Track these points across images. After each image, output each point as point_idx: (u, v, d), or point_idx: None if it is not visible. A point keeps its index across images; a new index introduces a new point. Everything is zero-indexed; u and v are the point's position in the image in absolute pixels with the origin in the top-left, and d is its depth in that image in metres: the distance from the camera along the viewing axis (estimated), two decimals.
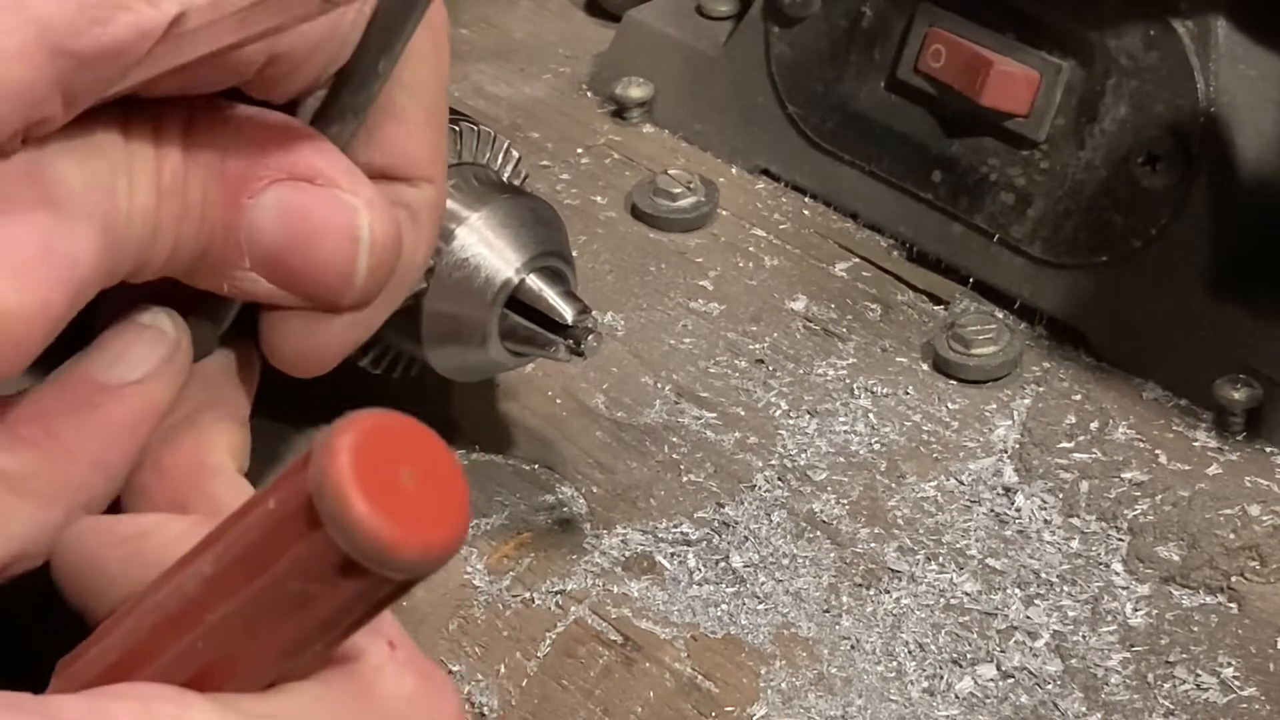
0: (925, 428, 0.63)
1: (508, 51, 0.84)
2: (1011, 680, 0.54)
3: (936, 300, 0.69)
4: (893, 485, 0.61)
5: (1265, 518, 0.58)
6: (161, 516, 0.42)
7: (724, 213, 0.73)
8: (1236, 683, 0.54)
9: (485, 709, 0.54)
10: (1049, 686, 0.54)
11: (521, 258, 0.55)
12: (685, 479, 0.61)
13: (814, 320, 0.68)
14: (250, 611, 0.33)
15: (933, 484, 0.61)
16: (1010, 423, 0.63)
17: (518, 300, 0.55)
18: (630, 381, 0.65)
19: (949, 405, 0.64)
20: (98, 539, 0.41)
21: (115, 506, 0.45)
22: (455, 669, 0.55)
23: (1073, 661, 0.55)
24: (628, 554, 0.58)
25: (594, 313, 0.55)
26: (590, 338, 0.55)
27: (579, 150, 0.77)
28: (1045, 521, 0.59)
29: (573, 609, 0.56)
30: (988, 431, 0.63)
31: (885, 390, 0.64)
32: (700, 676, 0.54)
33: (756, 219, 0.73)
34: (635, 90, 0.77)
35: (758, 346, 0.66)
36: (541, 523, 0.59)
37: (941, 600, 0.57)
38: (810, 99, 0.72)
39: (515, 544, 0.58)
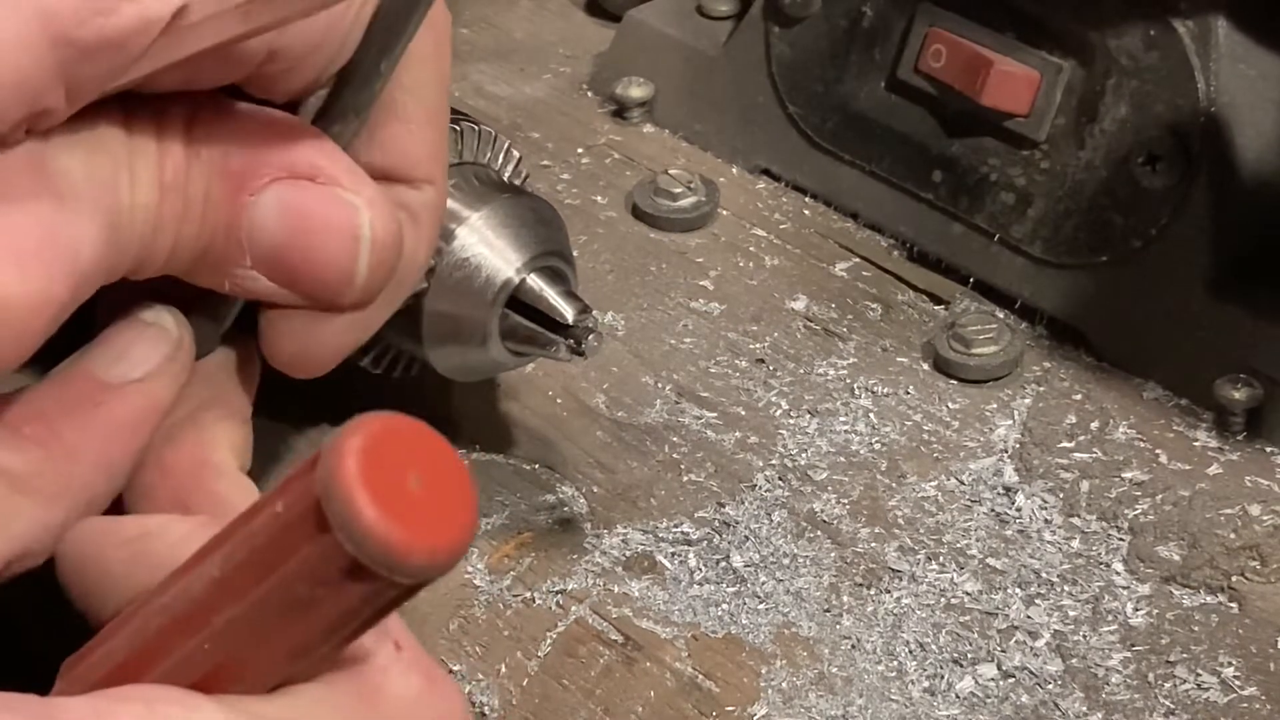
0: (926, 427, 0.63)
1: (508, 51, 0.84)
2: (1012, 680, 0.54)
3: (937, 300, 0.69)
4: (893, 485, 0.61)
5: (1266, 517, 0.58)
6: (166, 518, 0.42)
7: (724, 212, 0.73)
8: (1237, 682, 0.54)
9: (486, 708, 0.54)
10: (1050, 686, 0.54)
11: (522, 257, 0.55)
12: (686, 479, 0.61)
13: (814, 320, 0.68)
14: (257, 614, 0.33)
15: (933, 484, 0.61)
16: (1011, 422, 0.63)
17: (518, 300, 0.55)
18: (631, 381, 0.65)
19: (949, 405, 0.64)
20: (102, 540, 0.41)
21: (118, 506, 0.45)
22: (456, 668, 0.55)
23: (1073, 661, 0.55)
24: (628, 554, 0.58)
25: (594, 312, 0.55)
26: (591, 337, 0.55)
27: (579, 150, 0.77)
28: (1046, 521, 0.59)
29: (573, 608, 0.56)
30: (988, 431, 0.63)
31: (886, 390, 0.64)
32: (701, 676, 0.54)
33: (757, 219, 0.73)
34: (635, 90, 0.77)
35: (758, 346, 0.66)
36: (542, 522, 0.59)
37: (942, 600, 0.57)
38: (810, 99, 0.72)
39: (516, 544, 0.58)
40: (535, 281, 0.55)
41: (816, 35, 0.72)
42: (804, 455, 0.62)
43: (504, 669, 0.55)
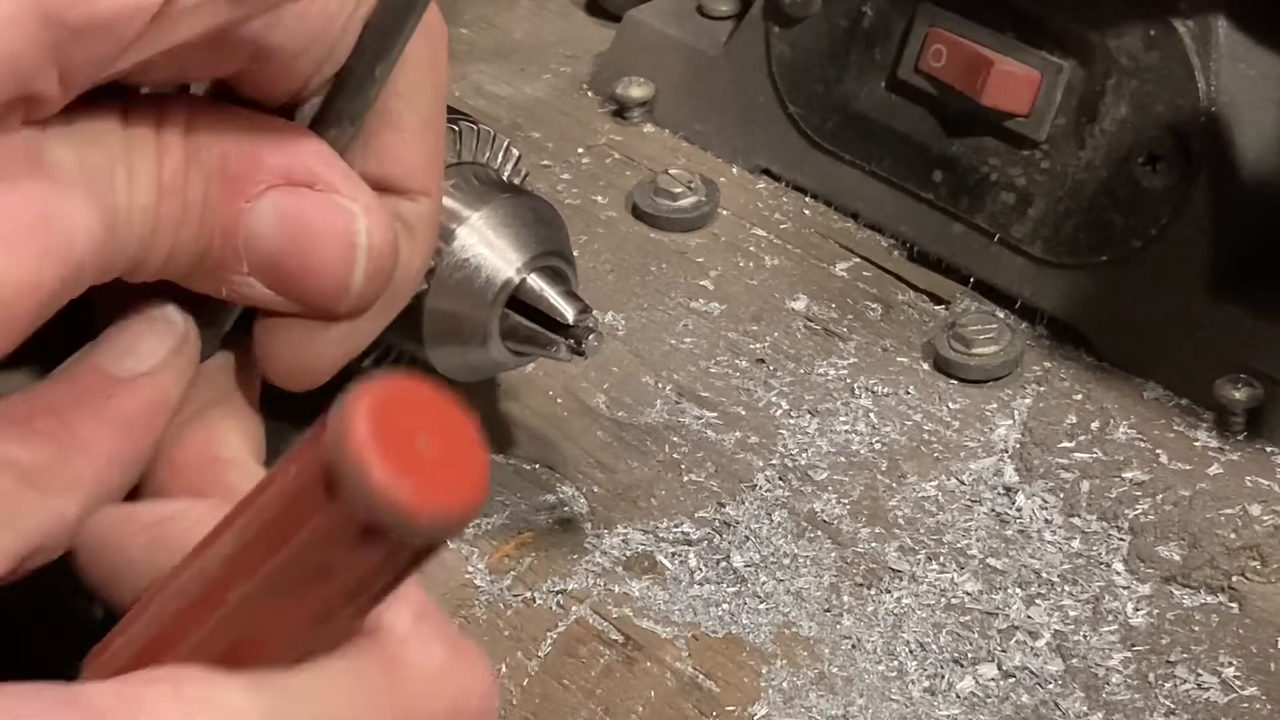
0: (926, 427, 0.63)
1: (508, 51, 0.84)
2: (1012, 680, 0.54)
3: (937, 300, 0.69)
4: (893, 485, 0.61)
5: (1266, 517, 0.58)
6: (184, 502, 0.42)
7: (724, 212, 0.73)
8: (1237, 682, 0.54)
9: None
10: (1050, 686, 0.54)
11: (522, 257, 0.55)
12: (686, 479, 0.61)
13: (814, 320, 0.68)
14: (273, 586, 0.33)
15: (933, 484, 0.61)
16: (1011, 422, 0.63)
17: (519, 300, 0.55)
18: (631, 381, 0.65)
19: (950, 405, 0.64)
20: (120, 526, 0.41)
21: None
22: None
23: (1074, 661, 0.55)
24: (629, 553, 0.58)
25: (595, 312, 0.55)
26: (591, 337, 0.55)
27: (580, 150, 0.77)
28: (1046, 521, 0.59)
29: (574, 608, 0.56)
30: (988, 431, 0.63)
31: (886, 390, 0.64)
32: (701, 676, 0.54)
33: (757, 219, 0.73)
34: (636, 90, 0.77)
35: (758, 346, 0.66)
36: (542, 522, 0.59)
37: (942, 600, 0.57)
38: (811, 99, 0.72)
39: (516, 543, 0.58)
40: (535, 281, 0.55)
41: (817, 35, 0.72)
42: (804, 455, 0.62)
43: (504, 669, 0.55)
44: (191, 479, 0.45)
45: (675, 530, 0.59)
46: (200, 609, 0.34)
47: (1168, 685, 0.54)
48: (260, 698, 0.33)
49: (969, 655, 0.55)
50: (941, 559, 0.58)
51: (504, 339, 0.55)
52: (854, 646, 0.55)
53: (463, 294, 0.55)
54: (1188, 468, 0.61)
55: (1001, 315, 0.67)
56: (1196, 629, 0.56)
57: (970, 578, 0.57)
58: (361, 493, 0.30)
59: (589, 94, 0.80)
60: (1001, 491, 0.60)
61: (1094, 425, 0.62)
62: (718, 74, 0.75)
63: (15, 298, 0.38)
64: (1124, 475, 0.60)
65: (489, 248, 0.55)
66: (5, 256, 0.38)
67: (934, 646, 0.55)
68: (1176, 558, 0.58)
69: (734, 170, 0.75)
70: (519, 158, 0.59)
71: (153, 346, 0.44)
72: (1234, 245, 0.63)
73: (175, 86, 0.44)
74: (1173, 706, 0.53)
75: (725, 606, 0.56)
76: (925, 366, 0.66)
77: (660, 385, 0.65)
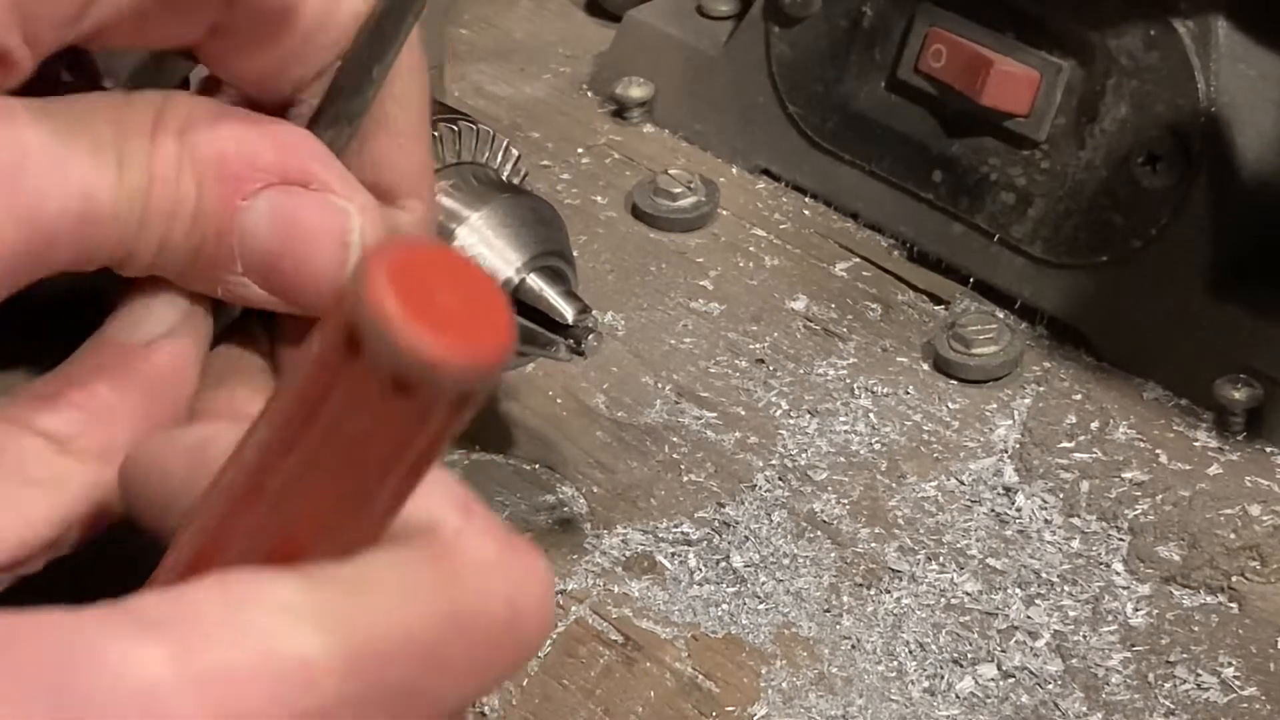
0: (926, 427, 0.63)
1: (508, 51, 0.84)
2: (1012, 680, 0.54)
3: (937, 300, 0.69)
4: (893, 485, 0.61)
5: (1266, 517, 0.58)
6: (222, 424, 0.41)
7: (724, 212, 0.73)
8: (1237, 682, 0.54)
9: (486, 709, 0.54)
10: (1050, 686, 0.54)
11: (522, 257, 0.55)
12: (686, 479, 0.61)
13: (814, 320, 0.68)
14: (310, 464, 0.32)
15: (933, 484, 0.61)
16: (1011, 422, 0.63)
17: (518, 300, 0.55)
18: (631, 381, 0.65)
19: (949, 405, 0.64)
20: (162, 451, 0.41)
21: None
22: None
23: (1073, 661, 0.55)
24: (628, 554, 0.58)
25: (594, 312, 0.55)
26: (591, 337, 0.55)
27: (579, 150, 0.77)
28: (1046, 521, 0.59)
29: (573, 609, 0.56)
30: (988, 431, 0.63)
31: (886, 390, 0.64)
32: (701, 676, 0.54)
33: (757, 219, 0.73)
34: (635, 90, 0.77)
35: (758, 346, 0.66)
36: (542, 523, 0.59)
37: (942, 600, 0.57)
38: (811, 99, 0.72)
39: None
40: (535, 281, 0.55)
41: (816, 35, 0.72)
42: (804, 455, 0.62)
43: None
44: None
45: (675, 530, 0.59)
46: (241, 504, 0.34)
47: (1167, 685, 0.54)
48: (311, 591, 0.32)
49: (969, 655, 0.55)
50: (941, 559, 0.58)
51: None
52: (854, 647, 0.55)
53: None
54: (1187, 468, 0.61)
55: (1001, 315, 0.67)
56: (1196, 629, 0.56)
57: (970, 578, 0.57)
58: (385, 342, 0.29)
59: (589, 94, 0.80)
60: (1001, 492, 0.60)
61: (1094, 425, 0.62)
62: (718, 74, 0.75)
63: None
64: (1124, 475, 0.60)
65: (488, 248, 0.55)
66: None
67: (934, 647, 0.55)
68: (1176, 558, 0.57)
69: (734, 170, 0.75)
70: (519, 158, 0.59)
71: (164, 312, 0.44)
72: (1234, 245, 0.63)
73: (150, 57, 0.44)
74: (1172, 707, 0.53)
75: (725, 607, 0.56)
76: (925, 366, 0.66)
77: (660, 385, 0.65)
